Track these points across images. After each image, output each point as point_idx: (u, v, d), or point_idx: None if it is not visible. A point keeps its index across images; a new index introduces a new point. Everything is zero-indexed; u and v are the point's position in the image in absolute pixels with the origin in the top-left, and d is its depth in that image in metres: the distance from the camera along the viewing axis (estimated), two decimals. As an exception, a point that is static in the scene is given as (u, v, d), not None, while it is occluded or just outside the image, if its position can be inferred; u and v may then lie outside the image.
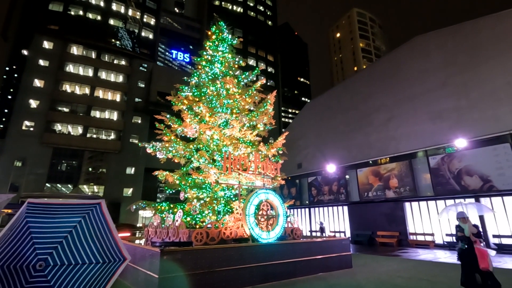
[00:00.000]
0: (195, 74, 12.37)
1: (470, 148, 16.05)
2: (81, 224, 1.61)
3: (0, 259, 1.38)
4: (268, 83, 60.19)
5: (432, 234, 17.02)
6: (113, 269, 1.70)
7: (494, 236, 14.75)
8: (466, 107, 16.74)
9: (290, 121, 66.03)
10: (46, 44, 39.44)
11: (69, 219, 1.60)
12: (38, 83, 37.62)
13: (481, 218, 14.71)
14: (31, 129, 35.72)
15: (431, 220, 17.33)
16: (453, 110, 17.25)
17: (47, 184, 35.56)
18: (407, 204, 18.87)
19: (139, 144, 11.88)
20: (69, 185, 37.37)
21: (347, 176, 23.28)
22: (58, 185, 37.14)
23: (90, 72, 41.68)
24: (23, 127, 35.44)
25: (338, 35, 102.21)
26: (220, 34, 12.79)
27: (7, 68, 56.71)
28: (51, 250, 1.46)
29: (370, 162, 21.59)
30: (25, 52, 42.16)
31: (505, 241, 14.36)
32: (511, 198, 14.58)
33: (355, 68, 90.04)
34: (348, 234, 21.88)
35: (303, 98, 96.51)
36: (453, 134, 16.50)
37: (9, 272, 1.36)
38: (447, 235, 16.21)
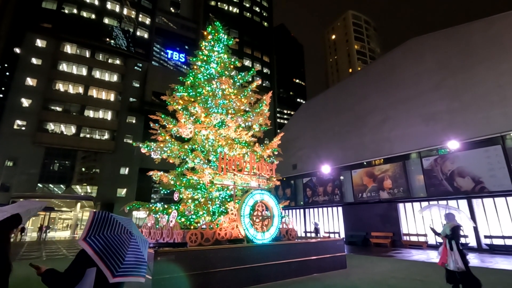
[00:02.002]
0: (191, 74, 12.28)
1: (462, 150, 16.28)
2: (133, 226, 2.53)
3: (106, 230, 2.18)
4: (264, 84, 60.27)
5: (425, 235, 17.21)
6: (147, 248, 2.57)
7: (486, 236, 14.96)
8: (458, 109, 16.98)
9: (286, 122, 66.14)
10: (39, 43, 38.93)
11: (128, 222, 2.48)
12: (30, 81, 37.09)
13: (473, 218, 14.92)
14: (23, 128, 35.18)
15: (424, 221, 17.51)
16: (446, 112, 17.48)
17: (39, 184, 35.05)
18: (400, 205, 19.04)
19: (134, 144, 11.74)
20: (62, 186, 36.89)
21: (341, 177, 23.41)
22: (51, 185, 36.62)
23: (84, 71, 41.24)
24: (15, 126, 34.89)
25: (333, 37, 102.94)
26: (216, 34, 12.75)
27: (-2, 66, 55.73)
28: (131, 228, 2.38)
29: (365, 163, 21.74)
30: (17, 50, 41.54)
31: (496, 241, 14.58)
32: (502, 199, 14.82)
33: (350, 70, 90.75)
34: (343, 235, 21.98)
35: (298, 99, 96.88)
36: (446, 136, 16.72)
37: (119, 235, 2.20)
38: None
